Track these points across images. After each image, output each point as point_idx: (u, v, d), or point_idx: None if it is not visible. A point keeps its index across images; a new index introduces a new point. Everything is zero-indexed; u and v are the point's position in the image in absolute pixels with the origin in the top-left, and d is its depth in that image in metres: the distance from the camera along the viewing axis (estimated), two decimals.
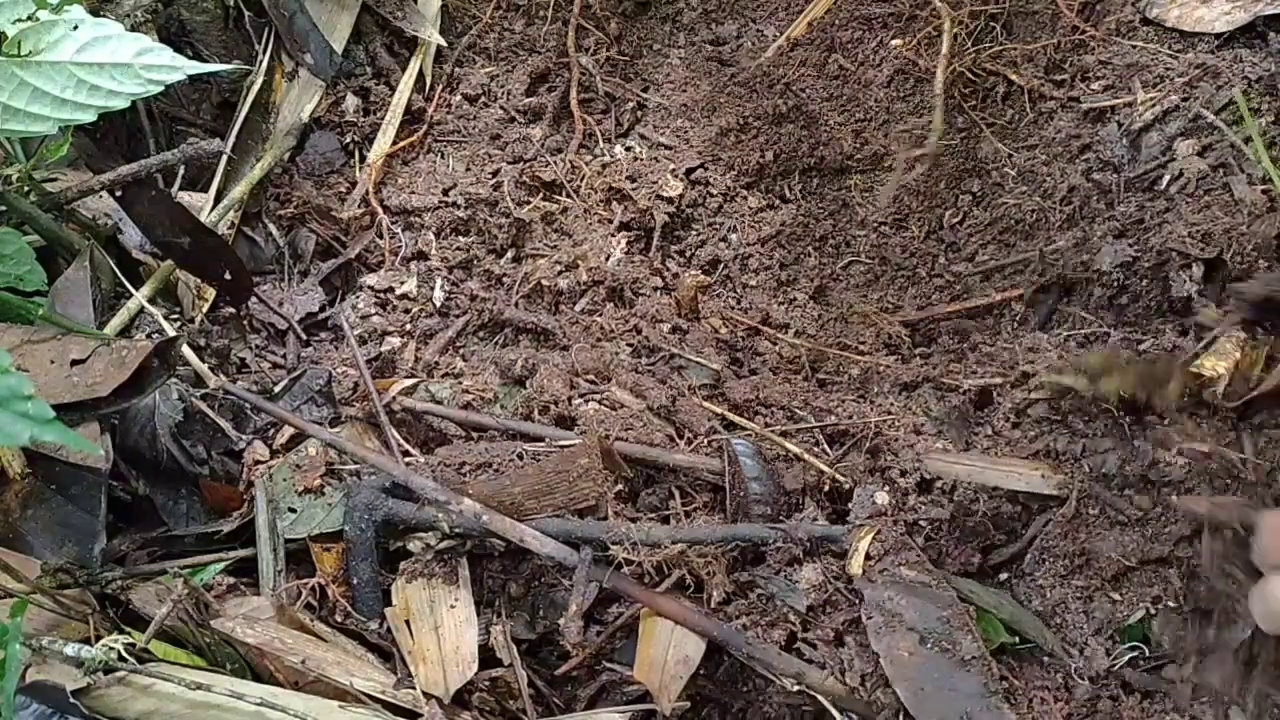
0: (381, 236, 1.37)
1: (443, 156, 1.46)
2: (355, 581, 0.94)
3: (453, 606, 0.91)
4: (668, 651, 0.87)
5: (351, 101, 1.44)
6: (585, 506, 0.95)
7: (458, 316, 1.30)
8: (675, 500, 1.01)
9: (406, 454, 1.05)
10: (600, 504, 0.95)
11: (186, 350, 1.11)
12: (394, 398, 1.11)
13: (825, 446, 1.09)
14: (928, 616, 0.87)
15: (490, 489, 0.94)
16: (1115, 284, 1.14)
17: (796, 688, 0.85)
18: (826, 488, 1.03)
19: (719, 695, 0.91)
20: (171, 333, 1.11)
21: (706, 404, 1.13)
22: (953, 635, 0.86)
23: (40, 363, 0.99)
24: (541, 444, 1.03)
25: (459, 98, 1.49)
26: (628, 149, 1.46)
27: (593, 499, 0.95)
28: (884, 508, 0.97)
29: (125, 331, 1.11)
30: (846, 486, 1.01)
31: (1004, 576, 0.97)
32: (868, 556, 0.92)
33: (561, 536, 0.93)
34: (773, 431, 1.08)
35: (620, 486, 1.00)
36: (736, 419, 1.12)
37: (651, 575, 0.92)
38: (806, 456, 1.04)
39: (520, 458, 1.01)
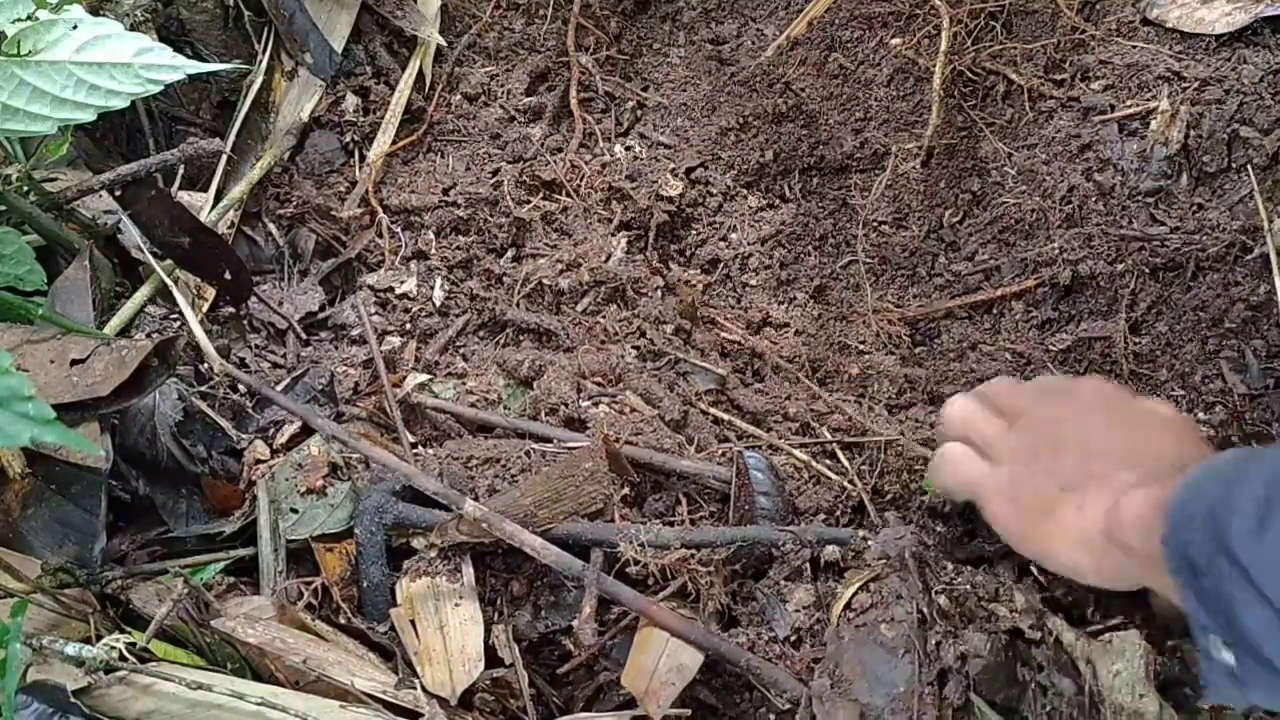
0: (381, 236, 1.37)
1: (443, 156, 1.46)
2: (366, 585, 0.94)
3: (457, 605, 0.91)
4: (660, 660, 0.86)
5: (351, 101, 1.44)
6: (593, 510, 0.94)
7: (458, 316, 1.30)
8: (681, 507, 1.01)
9: (414, 446, 1.05)
10: (607, 507, 0.95)
11: (198, 332, 1.10)
12: (408, 393, 1.10)
13: (841, 459, 1.06)
14: (877, 691, 0.79)
15: (502, 502, 0.94)
16: (1111, 288, 1.14)
17: (788, 706, 0.83)
18: (839, 511, 1.01)
19: (718, 704, 0.91)
20: (197, 329, 1.11)
21: (714, 409, 1.13)
22: None
23: (40, 363, 0.99)
24: (550, 444, 1.03)
25: (459, 97, 1.49)
26: (627, 148, 1.46)
27: (600, 502, 0.94)
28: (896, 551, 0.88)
29: (125, 331, 1.10)
30: (858, 501, 1.00)
31: None
32: (848, 606, 0.86)
33: (572, 539, 0.92)
34: (786, 443, 1.07)
35: (626, 491, 0.99)
36: (747, 427, 1.11)
37: (656, 579, 0.91)
38: (827, 472, 1.02)
39: (528, 455, 1.01)
